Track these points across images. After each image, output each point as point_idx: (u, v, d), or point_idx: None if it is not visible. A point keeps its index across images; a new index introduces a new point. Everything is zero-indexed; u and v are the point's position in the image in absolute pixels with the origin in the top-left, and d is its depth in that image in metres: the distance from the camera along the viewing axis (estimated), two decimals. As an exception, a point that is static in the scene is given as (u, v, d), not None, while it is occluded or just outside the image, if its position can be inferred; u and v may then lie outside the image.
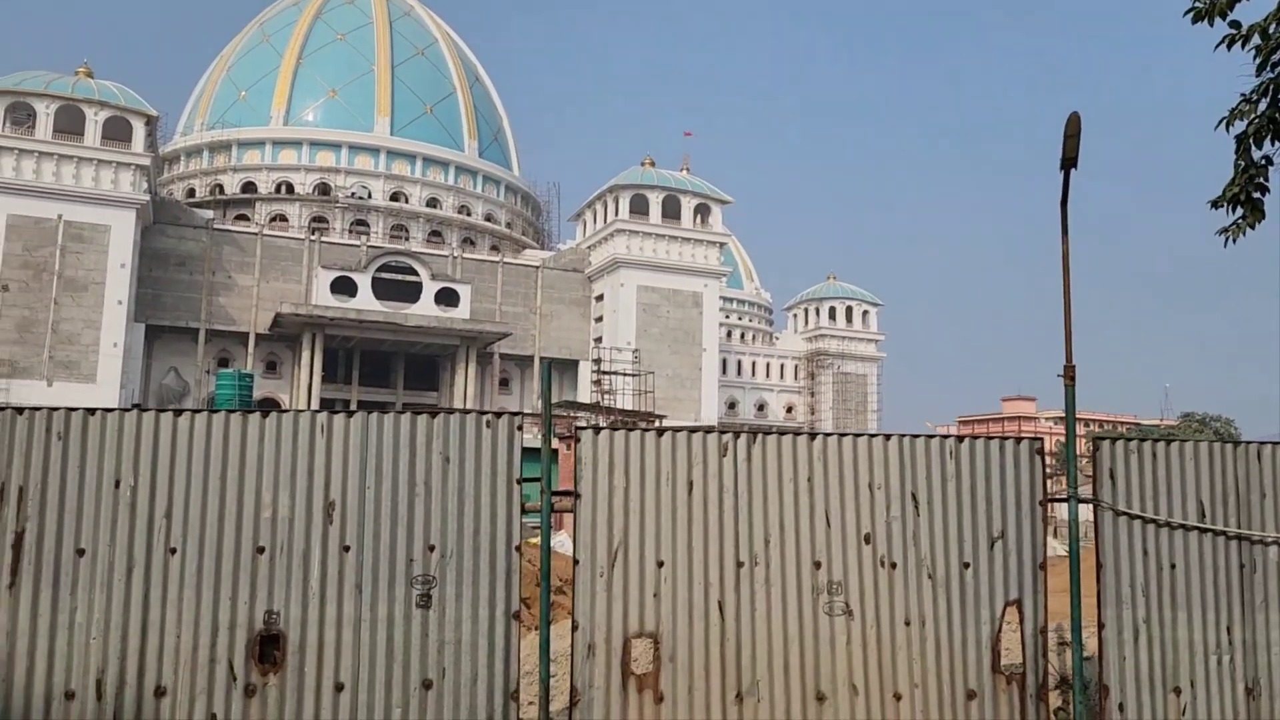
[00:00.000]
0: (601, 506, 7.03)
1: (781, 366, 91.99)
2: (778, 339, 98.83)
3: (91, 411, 6.77)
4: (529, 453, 7.24)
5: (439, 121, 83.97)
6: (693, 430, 7.34)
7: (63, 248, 59.59)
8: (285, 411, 6.89)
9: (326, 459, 6.88)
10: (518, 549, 6.94)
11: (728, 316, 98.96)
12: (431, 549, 6.85)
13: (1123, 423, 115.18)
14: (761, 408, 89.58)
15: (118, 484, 6.67)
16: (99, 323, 59.99)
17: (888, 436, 7.29)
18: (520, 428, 7.15)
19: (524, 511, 7.05)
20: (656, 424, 60.04)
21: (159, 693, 6.52)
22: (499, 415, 7.11)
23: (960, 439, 7.33)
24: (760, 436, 7.23)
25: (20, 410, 6.70)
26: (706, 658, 6.89)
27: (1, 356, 57.33)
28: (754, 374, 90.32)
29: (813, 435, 7.23)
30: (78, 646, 6.49)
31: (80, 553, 6.58)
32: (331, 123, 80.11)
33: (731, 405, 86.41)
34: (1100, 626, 7.28)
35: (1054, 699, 7.92)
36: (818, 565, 7.09)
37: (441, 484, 6.94)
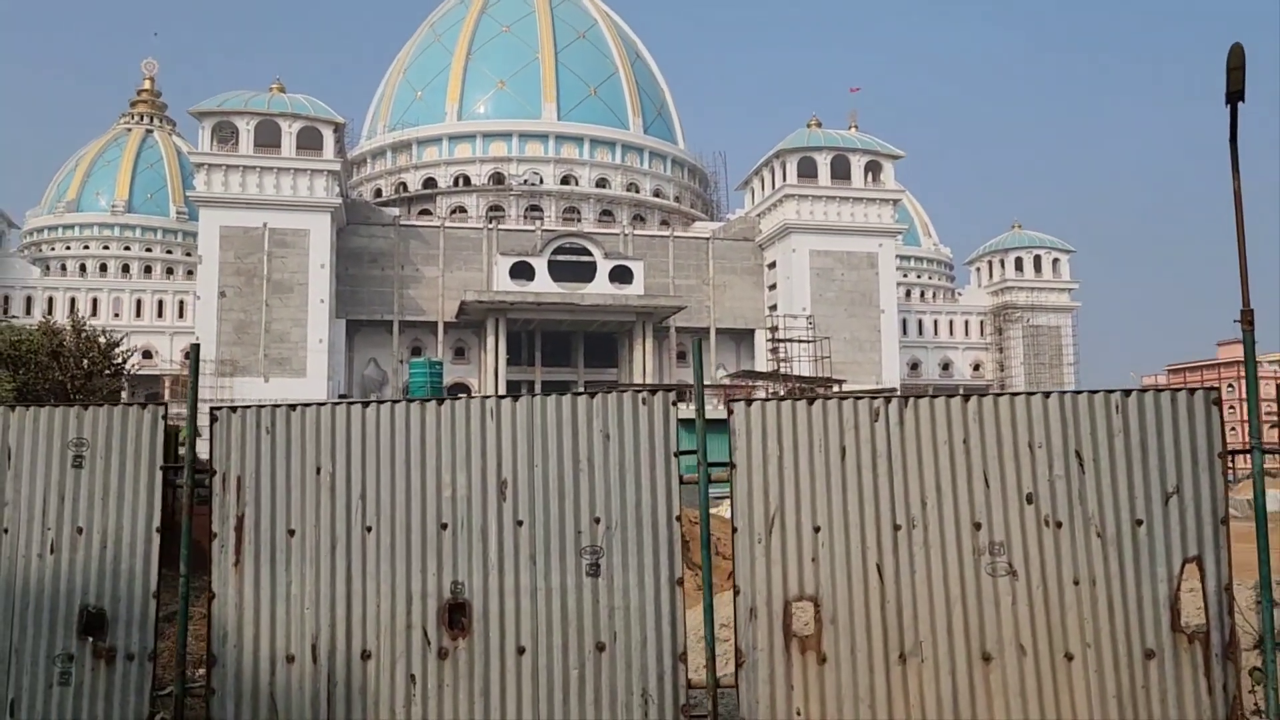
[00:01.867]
0: (757, 475, 7.24)
1: (966, 323, 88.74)
2: (960, 295, 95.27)
3: (293, 407, 7.55)
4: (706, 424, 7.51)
5: (603, 102, 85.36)
6: (858, 396, 7.45)
7: (269, 253, 64.61)
8: (458, 399, 7.46)
9: (497, 440, 7.40)
10: (677, 519, 7.25)
11: (905, 275, 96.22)
12: (597, 521, 7.27)
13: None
14: (946, 367, 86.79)
15: (319, 470, 7.42)
16: (305, 321, 64.79)
17: (1047, 394, 7.15)
18: (675, 403, 7.45)
19: (682, 482, 7.35)
20: (836, 389, 59.32)
21: (365, 656, 7.25)
22: (654, 391, 7.43)
23: (1127, 393, 7.10)
24: (912, 400, 7.24)
25: (235, 408, 7.55)
26: (867, 619, 7.01)
27: (224, 357, 62.84)
28: (936, 333, 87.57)
29: (966, 396, 7.18)
30: (294, 616, 7.29)
31: (291, 533, 7.37)
32: (502, 113, 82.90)
33: (914, 366, 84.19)
34: (1292, 583, 6.91)
35: (1250, 658, 7.57)
36: (978, 526, 7.06)
37: (604, 459, 7.33)
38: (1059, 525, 7.02)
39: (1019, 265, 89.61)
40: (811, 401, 7.35)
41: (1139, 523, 6.98)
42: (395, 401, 7.49)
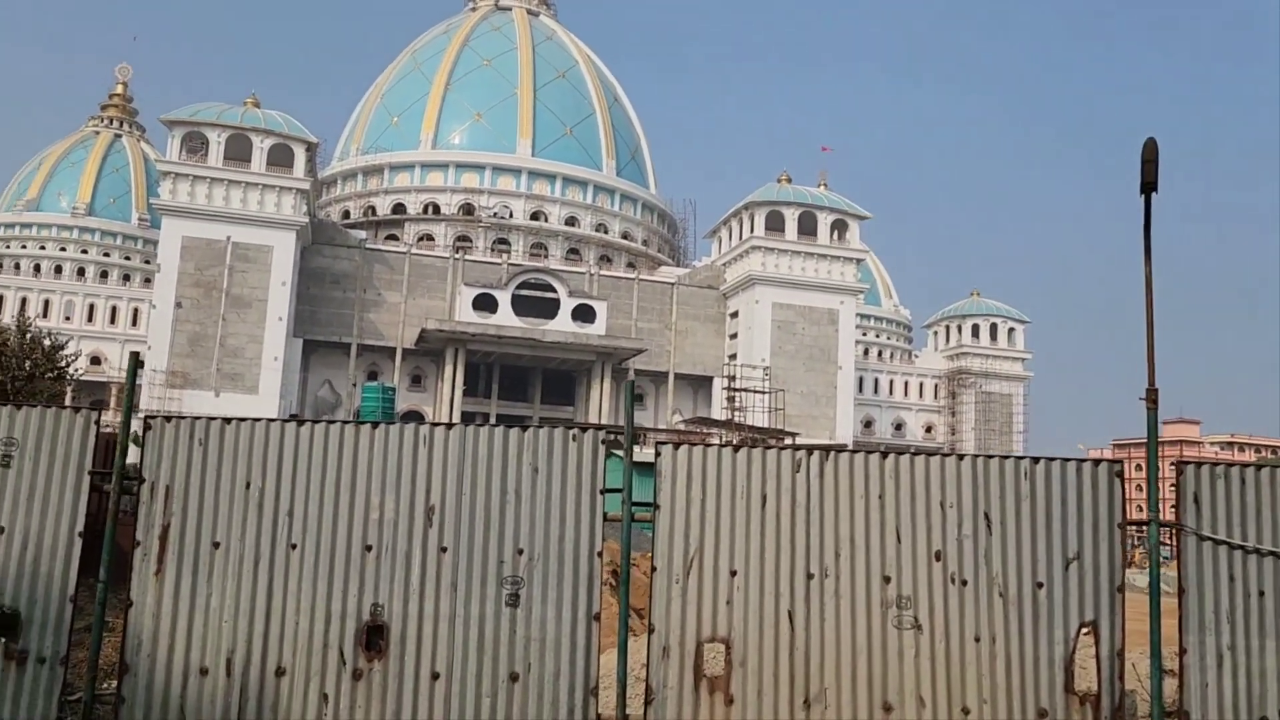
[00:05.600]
0: (679, 517, 7.44)
1: (920, 385, 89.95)
2: (917, 357, 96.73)
3: (228, 420, 7.64)
4: (640, 466, 7.71)
5: (578, 142, 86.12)
6: (783, 447, 7.68)
7: (230, 267, 64.06)
8: (392, 424, 7.59)
9: (428, 467, 7.54)
10: (599, 554, 7.42)
11: (865, 334, 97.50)
12: (520, 552, 7.41)
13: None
14: (899, 427, 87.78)
15: (248, 485, 7.50)
16: (261, 337, 64.14)
17: (960, 456, 7.45)
18: (605, 442, 7.64)
19: (607, 520, 7.52)
20: (789, 441, 59.73)
21: (279, 673, 7.29)
22: (585, 429, 7.62)
23: (1035, 460, 7.41)
24: (833, 454, 7.50)
25: (169, 419, 7.63)
26: (776, 664, 7.20)
27: (176, 368, 61.99)
28: (891, 392, 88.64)
29: (885, 454, 7.46)
30: (211, 628, 7.33)
31: (215, 545, 7.43)
32: (476, 145, 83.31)
33: (868, 424, 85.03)
34: (1182, 652, 7.21)
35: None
36: (887, 580, 7.30)
37: (531, 492, 7.49)
38: (964, 583, 7.28)
39: (975, 332, 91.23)
40: (736, 449, 7.58)
41: (1040, 585, 7.26)
42: (330, 422, 7.61)
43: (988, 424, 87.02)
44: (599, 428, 7.78)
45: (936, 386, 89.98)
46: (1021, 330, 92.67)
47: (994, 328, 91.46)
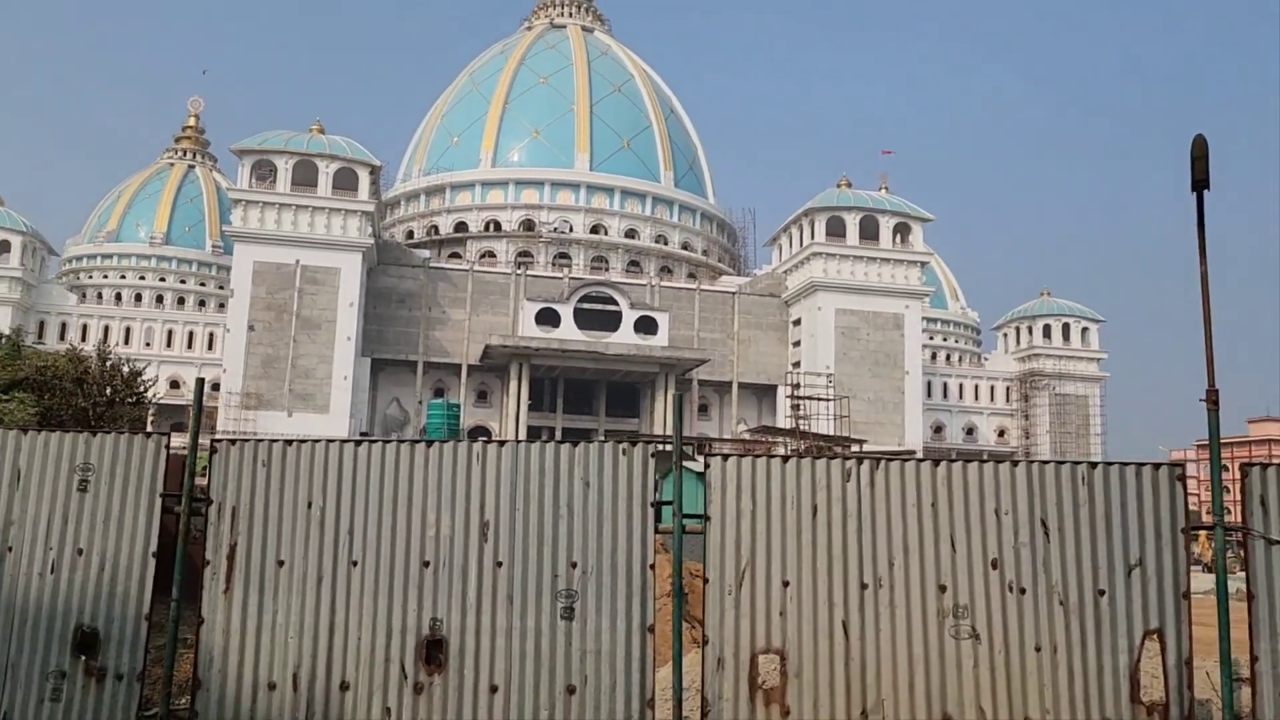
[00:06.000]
0: (730, 529, 7.47)
1: (991, 388, 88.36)
2: (986, 360, 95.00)
3: (289, 442, 7.88)
4: (698, 478, 7.76)
5: (636, 154, 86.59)
6: (831, 456, 7.66)
7: (300, 290, 65.68)
8: (445, 442, 7.76)
9: (482, 484, 7.68)
10: (651, 567, 7.47)
11: (931, 338, 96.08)
12: (574, 566, 7.50)
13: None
14: (970, 431, 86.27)
15: (310, 505, 7.72)
16: (331, 358, 65.60)
17: (1015, 462, 7.35)
18: (655, 455, 7.69)
19: (658, 531, 7.58)
20: (856, 449, 59.04)
21: (343, 687, 7.48)
22: (634, 443, 7.70)
23: (1093, 465, 7.28)
24: (883, 462, 7.46)
25: (234, 441, 7.89)
26: (831, 675, 7.17)
27: (250, 390, 63.68)
28: (961, 397, 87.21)
29: (936, 461, 7.40)
30: (278, 644, 7.55)
31: (280, 564, 7.66)
32: (535, 161, 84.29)
33: (938, 429, 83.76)
34: (1253, 660, 7.00)
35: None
36: (943, 589, 7.23)
37: (583, 507, 7.59)
38: (1023, 592, 7.17)
39: (1047, 333, 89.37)
40: (786, 460, 7.58)
41: (1101, 593, 7.12)
42: (386, 441, 7.81)
43: (1063, 427, 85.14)
44: (653, 439, 7.85)
45: (1008, 389, 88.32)
46: (1095, 330, 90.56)
47: (1066, 328, 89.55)
